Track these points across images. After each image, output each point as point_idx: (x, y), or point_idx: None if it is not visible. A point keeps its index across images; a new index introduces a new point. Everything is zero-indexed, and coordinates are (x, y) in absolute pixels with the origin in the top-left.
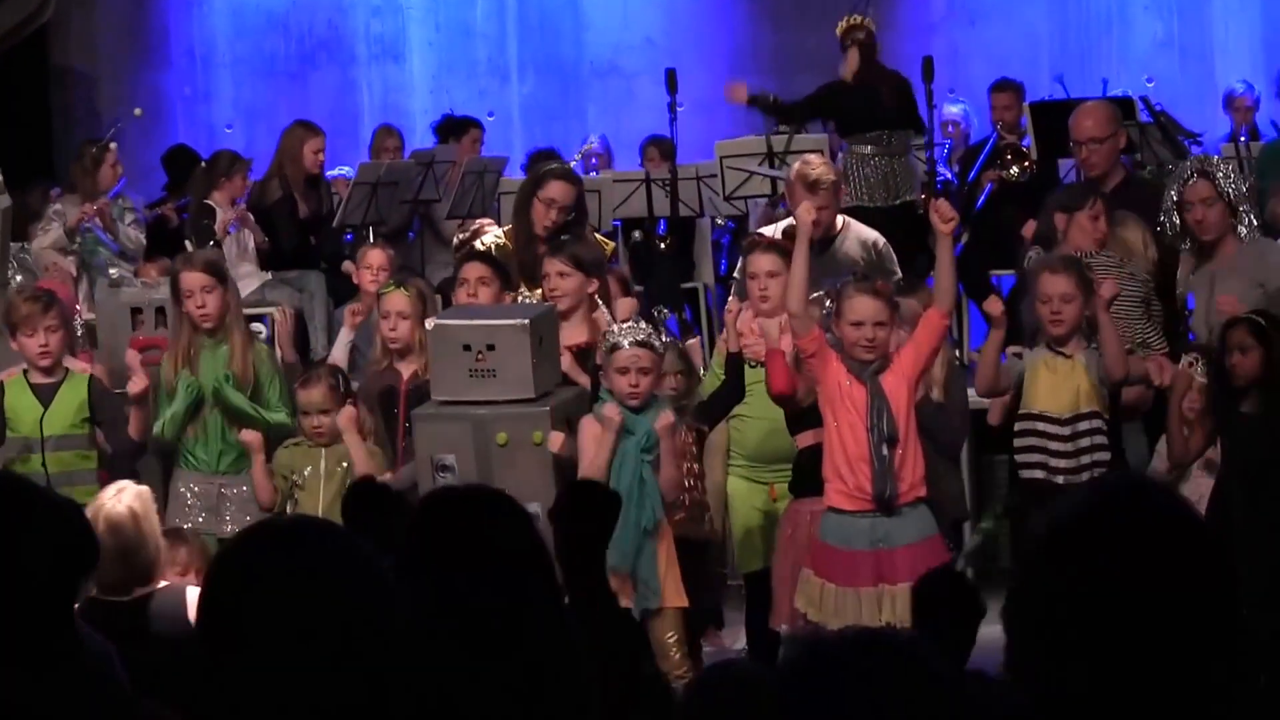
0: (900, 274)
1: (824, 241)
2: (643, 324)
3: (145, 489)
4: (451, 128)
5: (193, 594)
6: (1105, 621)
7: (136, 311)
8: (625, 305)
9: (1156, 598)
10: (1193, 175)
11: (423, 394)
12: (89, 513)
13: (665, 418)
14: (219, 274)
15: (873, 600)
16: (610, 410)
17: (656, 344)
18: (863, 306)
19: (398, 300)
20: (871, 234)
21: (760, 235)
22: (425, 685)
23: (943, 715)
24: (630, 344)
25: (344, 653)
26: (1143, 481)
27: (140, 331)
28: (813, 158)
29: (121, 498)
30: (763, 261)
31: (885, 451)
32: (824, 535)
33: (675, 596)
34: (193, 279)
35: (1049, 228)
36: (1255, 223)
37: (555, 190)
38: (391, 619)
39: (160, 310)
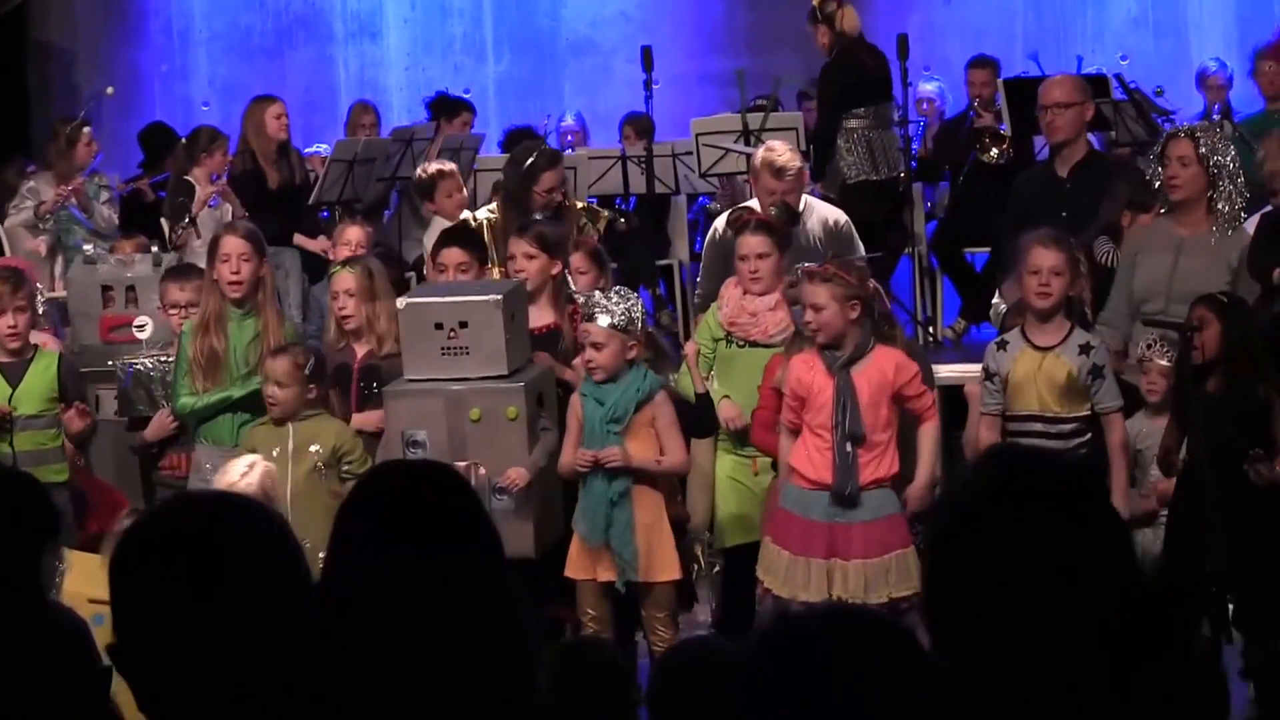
0: (864, 253)
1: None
2: (605, 296)
3: (271, 465)
4: (444, 107)
5: None
6: (1005, 591)
7: (107, 289)
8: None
9: (1052, 563)
10: (1179, 134)
11: (374, 372)
12: (219, 488)
13: (659, 404)
14: (259, 245)
15: (822, 572)
16: (582, 457)
17: (607, 319)
18: (805, 291)
19: (346, 280)
20: (834, 213)
21: (747, 211)
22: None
23: (915, 690)
24: (587, 319)
25: (254, 629)
26: (1026, 449)
27: (110, 309)
28: (777, 144)
29: (251, 476)
30: (754, 243)
31: (849, 449)
32: (783, 502)
33: (665, 569)
34: (233, 243)
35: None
36: (1243, 200)
37: (550, 180)
38: (306, 596)
39: (131, 289)
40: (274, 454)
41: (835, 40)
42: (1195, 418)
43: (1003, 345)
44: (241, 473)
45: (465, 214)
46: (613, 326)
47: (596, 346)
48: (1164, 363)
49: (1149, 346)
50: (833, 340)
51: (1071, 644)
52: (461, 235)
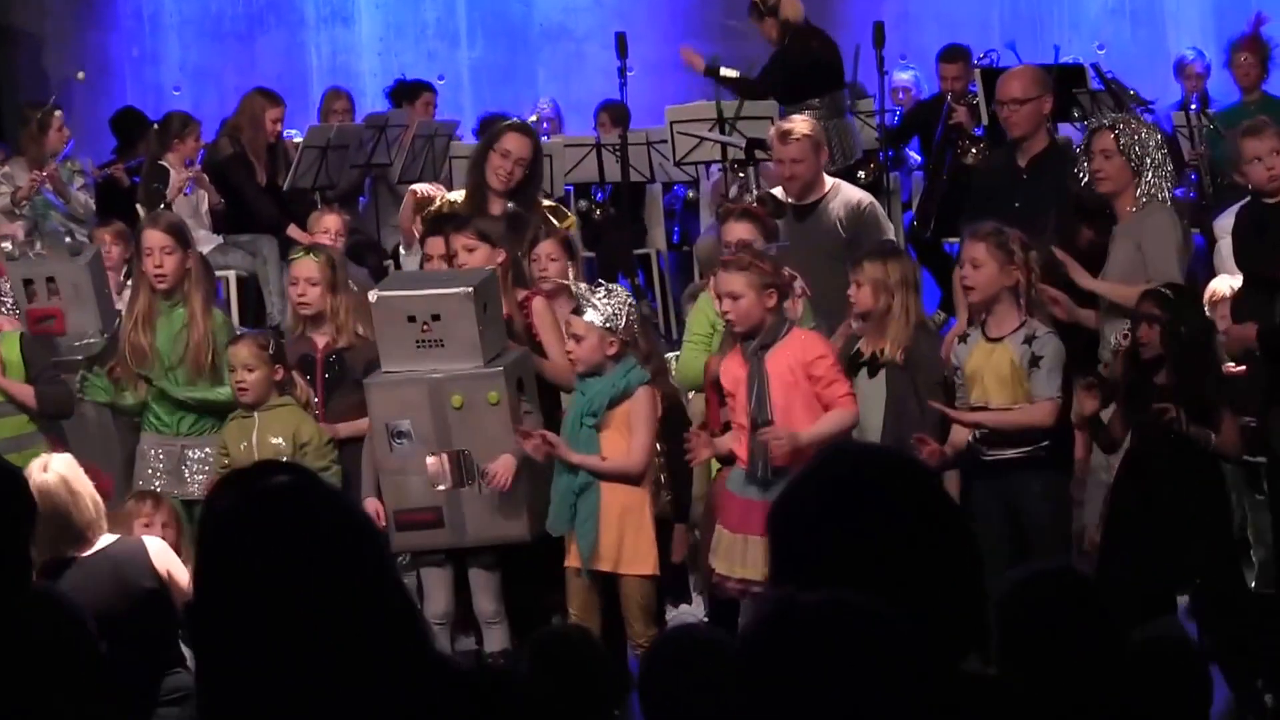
0: (892, 234)
1: (808, 205)
2: (594, 292)
3: (68, 455)
4: (404, 92)
5: (152, 544)
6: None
7: (29, 283)
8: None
9: (882, 557)
10: (1100, 127)
11: (340, 362)
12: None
13: (638, 399)
14: (181, 237)
15: (759, 548)
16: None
17: (594, 315)
18: (724, 281)
19: (307, 266)
20: (859, 195)
21: (735, 203)
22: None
23: (910, 679)
24: (575, 311)
25: (336, 614)
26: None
27: (35, 302)
28: (796, 115)
29: (50, 467)
30: (737, 230)
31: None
32: (728, 484)
33: (636, 563)
34: (153, 238)
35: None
36: (1169, 185)
37: (511, 142)
38: (386, 578)
39: (50, 280)
40: (241, 447)
41: (784, 30)
42: (1141, 412)
43: (964, 338)
44: (38, 468)
45: (441, 196)
46: (592, 323)
47: (576, 339)
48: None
49: (1125, 336)
50: (750, 329)
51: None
52: (446, 222)
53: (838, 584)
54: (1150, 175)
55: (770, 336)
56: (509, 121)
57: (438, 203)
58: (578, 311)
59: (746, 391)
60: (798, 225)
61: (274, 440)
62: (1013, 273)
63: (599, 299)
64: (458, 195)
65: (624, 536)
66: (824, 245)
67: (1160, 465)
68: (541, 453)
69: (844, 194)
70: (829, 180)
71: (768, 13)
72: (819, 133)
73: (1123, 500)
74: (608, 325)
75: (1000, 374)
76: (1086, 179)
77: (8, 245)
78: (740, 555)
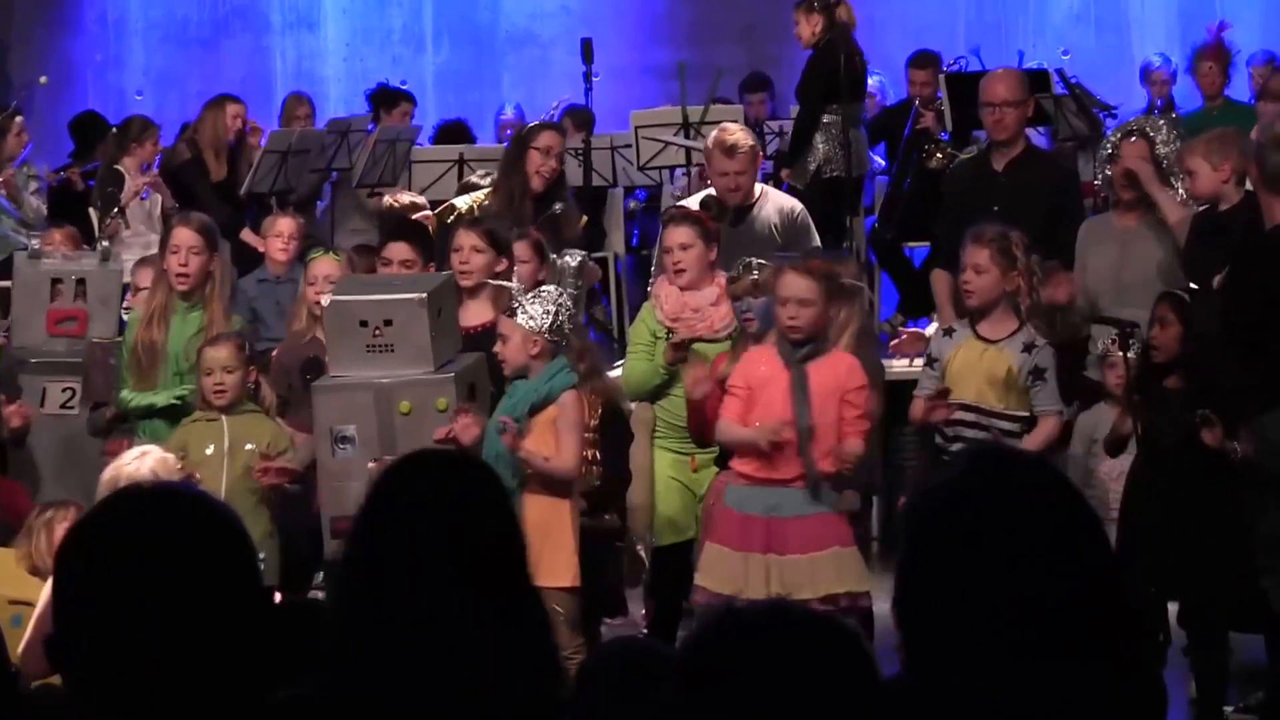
0: (819, 242)
1: (740, 210)
2: (526, 296)
3: (169, 455)
4: (385, 98)
5: None
6: (982, 589)
7: (56, 282)
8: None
9: (1031, 563)
10: (1134, 132)
11: None
12: (108, 474)
13: (565, 404)
14: (211, 239)
15: (760, 567)
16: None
17: (522, 317)
18: (791, 284)
19: (328, 265)
20: (790, 202)
21: (678, 207)
22: None
23: (854, 691)
24: (508, 313)
25: (197, 620)
26: (1011, 450)
27: (59, 302)
28: (731, 125)
29: (143, 461)
30: (676, 234)
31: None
32: (725, 501)
33: (555, 575)
34: (184, 236)
35: None
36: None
37: (549, 138)
38: (254, 588)
39: (80, 281)
40: (207, 451)
41: (825, 32)
42: (1150, 413)
43: (949, 333)
44: (134, 458)
45: (460, 200)
46: (518, 324)
47: (502, 339)
48: (1130, 356)
49: (1113, 342)
50: (808, 338)
51: (1038, 644)
52: (408, 229)
53: (968, 587)
54: (1172, 179)
55: (816, 349)
56: (536, 123)
57: (463, 208)
58: (510, 313)
59: (789, 398)
60: (730, 231)
61: (249, 447)
62: (1014, 279)
63: (529, 302)
64: (471, 199)
65: (543, 549)
66: (759, 250)
67: (1174, 470)
68: (470, 435)
69: (775, 200)
70: (758, 186)
71: (818, 10)
72: (756, 141)
73: (1135, 507)
74: (532, 326)
75: (994, 377)
76: (1099, 182)
77: (36, 243)
78: (742, 574)
